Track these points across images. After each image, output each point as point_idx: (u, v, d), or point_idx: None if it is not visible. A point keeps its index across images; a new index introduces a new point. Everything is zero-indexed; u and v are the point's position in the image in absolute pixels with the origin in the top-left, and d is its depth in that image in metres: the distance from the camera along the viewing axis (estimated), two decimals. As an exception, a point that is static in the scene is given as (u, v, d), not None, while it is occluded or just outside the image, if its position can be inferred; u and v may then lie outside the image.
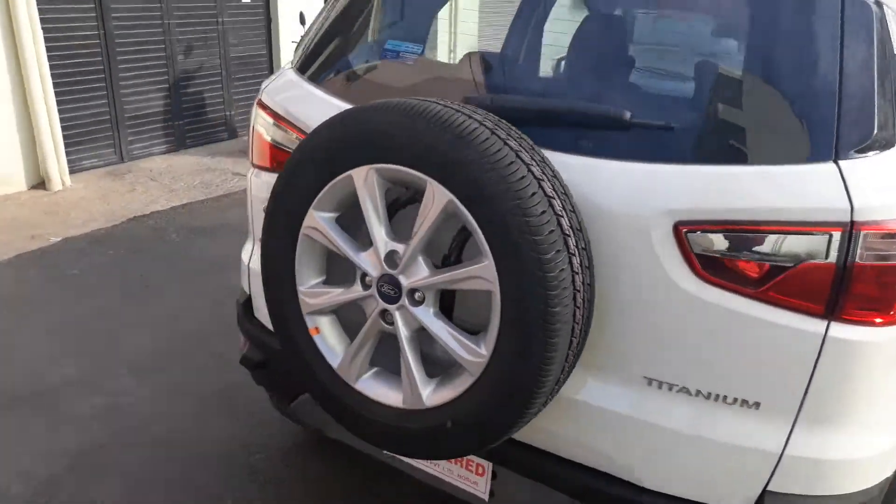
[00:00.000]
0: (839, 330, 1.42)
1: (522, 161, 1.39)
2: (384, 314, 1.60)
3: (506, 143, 1.40)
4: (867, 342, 1.43)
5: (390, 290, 1.56)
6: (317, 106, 1.93)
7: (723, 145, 1.53)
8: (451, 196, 1.43)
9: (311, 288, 1.71)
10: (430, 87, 1.91)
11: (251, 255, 2.25)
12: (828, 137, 1.43)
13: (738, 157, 1.49)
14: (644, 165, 1.50)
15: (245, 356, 2.28)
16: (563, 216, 1.39)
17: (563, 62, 2.11)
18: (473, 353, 1.49)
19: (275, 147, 2.06)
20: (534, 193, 1.37)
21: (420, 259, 1.53)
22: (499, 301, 1.42)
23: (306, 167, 1.63)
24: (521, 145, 1.43)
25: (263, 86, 2.16)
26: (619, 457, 1.65)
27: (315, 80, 2.03)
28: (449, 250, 1.59)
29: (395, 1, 2.17)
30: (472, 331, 1.53)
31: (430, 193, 1.46)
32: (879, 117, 1.45)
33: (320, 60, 2.08)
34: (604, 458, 1.67)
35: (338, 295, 1.67)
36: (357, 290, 1.63)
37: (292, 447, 2.83)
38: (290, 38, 7.33)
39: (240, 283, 2.35)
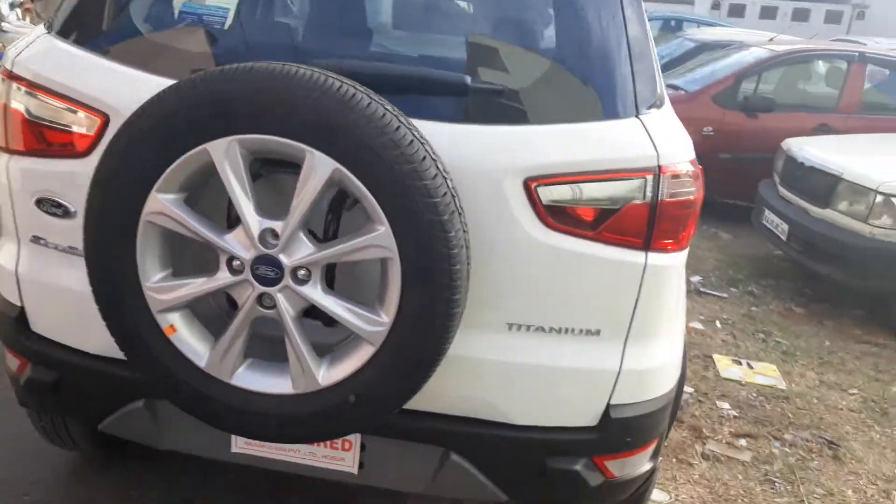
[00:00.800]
0: (653, 258, 1.72)
1: (405, 125, 1.41)
2: (260, 298, 1.49)
3: (386, 109, 1.41)
4: (668, 266, 1.76)
5: (269, 271, 1.45)
6: (104, 76, 1.68)
7: (555, 108, 1.72)
8: (337, 164, 1.38)
9: (159, 282, 1.50)
10: (252, 54, 1.78)
11: (17, 258, 1.86)
12: (630, 97, 1.71)
13: (568, 117, 1.70)
14: (494, 127, 1.63)
15: (31, 379, 1.89)
16: (447, 177, 1.45)
17: (384, 28, 2.11)
18: (373, 323, 1.47)
19: (39, 125, 1.73)
20: (424, 157, 1.40)
21: (301, 235, 1.45)
22: (399, 266, 1.43)
23: (143, 145, 1.42)
24: (394, 111, 1.45)
25: (10, 54, 1.78)
26: (488, 400, 1.78)
27: (93, 47, 1.74)
28: (326, 223, 1.53)
29: None
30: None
31: (309, 163, 1.39)
32: (657, 78, 1.79)
33: (94, 24, 1.79)
34: (476, 403, 1.78)
35: (200, 286, 1.49)
36: (224, 277, 1.48)
37: (70, 476, 2.42)
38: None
39: None
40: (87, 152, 1.70)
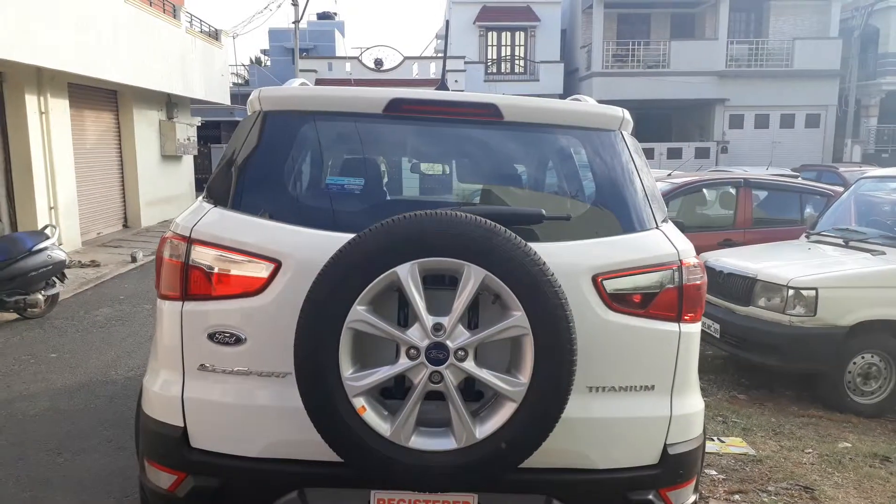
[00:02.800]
0: (683, 327, 2.37)
1: (526, 243, 2.04)
2: (430, 376, 2.00)
3: (514, 234, 2.04)
4: (693, 332, 2.40)
5: (439, 354, 1.99)
6: (273, 232, 2.23)
7: (604, 227, 2.40)
8: (487, 272, 1.98)
9: (354, 373, 2.00)
10: (389, 210, 2.38)
11: (182, 385, 2.27)
12: (650, 216, 2.43)
13: (613, 232, 2.38)
14: (566, 243, 2.29)
15: (195, 488, 2.23)
16: (554, 276, 2.07)
17: (486, 184, 2.78)
18: (515, 384, 2.01)
19: (219, 274, 2.24)
20: (544, 262, 2.02)
21: (460, 325, 2.01)
22: (531, 340, 2.00)
23: (347, 272, 1.97)
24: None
25: (188, 224, 2.29)
26: (578, 450, 2.28)
27: (257, 212, 2.29)
28: (469, 317, 2.08)
29: (312, 144, 2.57)
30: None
31: (467, 274, 1.98)
32: (662, 203, 2.54)
33: (255, 196, 2.35)
34: (568, 455, 2.27)
35: (386, 372, 2.00)
36: (404, 363, 1.99)
37: None
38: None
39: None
40: (260, 290, 2.21)
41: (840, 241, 6.15)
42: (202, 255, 2.23)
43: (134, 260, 10.48)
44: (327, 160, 2.59)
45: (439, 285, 2.06)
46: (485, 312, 2.10)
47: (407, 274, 1.98)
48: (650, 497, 2.32)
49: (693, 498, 2.50)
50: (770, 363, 5.41)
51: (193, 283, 2.24)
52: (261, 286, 2.20)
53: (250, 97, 2.56)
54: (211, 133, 23.96)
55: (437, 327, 2.00)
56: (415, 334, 2.00)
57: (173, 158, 15.84)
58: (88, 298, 8.15)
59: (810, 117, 24.93)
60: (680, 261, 2.35)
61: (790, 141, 24.44)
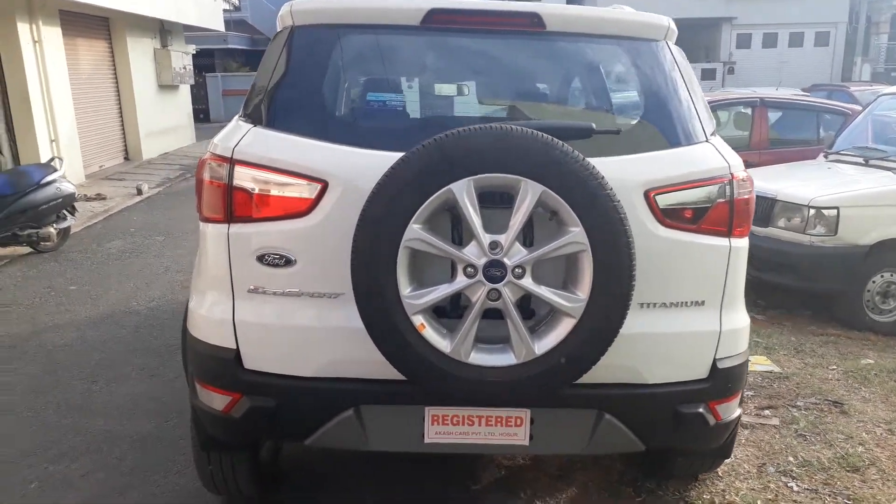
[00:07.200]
0: (734, 242, 2.33)
1: (584, 157, 1.98)
2: (488, 294, 1.97)
3: (569, 147, 1.97)
4: (742, 247, 2.37)
5: (497, 271, 1.96)
6: (318, 152, 2.16)
7: (655, 140, 2.33)
8: (544, 188, 1.93)
9: (412, 292, 1.97)
10: (433, 126, 2.30)
11: (233, 308, 2.25)
12: (700, 129, 2.36)
13: (664, 146, 2.31)
14: (619, 157, 2.22)
15: (252, 408, 2.24)
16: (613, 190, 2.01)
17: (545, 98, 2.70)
18: (574, 300, 1.99)
19: (264, 196, 2.18)
20: (602, 177, 1.97)
21: (517, 243, 1.97)
22: (590, 256, 1.96)
23: (401, 191, 1.91)
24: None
25: (229, 145, 2.21)
26: (629, 366, 2.28)
27: (300, 132, 2.21)
28: (523, 233, 2.04)
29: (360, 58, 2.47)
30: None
31: (524, 190, 1.93)
32: (710, 116, 2.46)
33: (298, 115, 2.27)
34: (620, 370, 2.27)
35: (444, 290, 1.97)
36: (462, 281, 1.96)
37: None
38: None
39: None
40: (308, 212, 2.16)
41: (860, 160, 6.09)
42: (245, 176, 2.17)
43: (139, 192, 10.38)
44: (365, 76, 2.49)
45: (492, 203, 2.01)
46: (540, 229, 2.06)
47: (462, 191, 1.93)
48: (700, 410, 2.34)
49: (738, 411, 2.53)
50: (789, 284, 5.43)
51: (238, 205, 2.19)
52: (308, 207, 2.16)
53: (281, 11, 2.45)
54: (205, 62, 23.37)
55: (494, 245, 1.96)
56: (472, 252, 1.97)
57: (170, 88, 15.49)
58: (99, 231, 8.10)
59: (819, 35, 24.34)
60: (731, 174, 2.29)
61: (798, 60, 23.95)
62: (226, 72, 24.74)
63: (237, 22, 24.99)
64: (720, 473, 3.03)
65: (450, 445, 2.33)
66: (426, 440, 2.31)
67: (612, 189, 1.96)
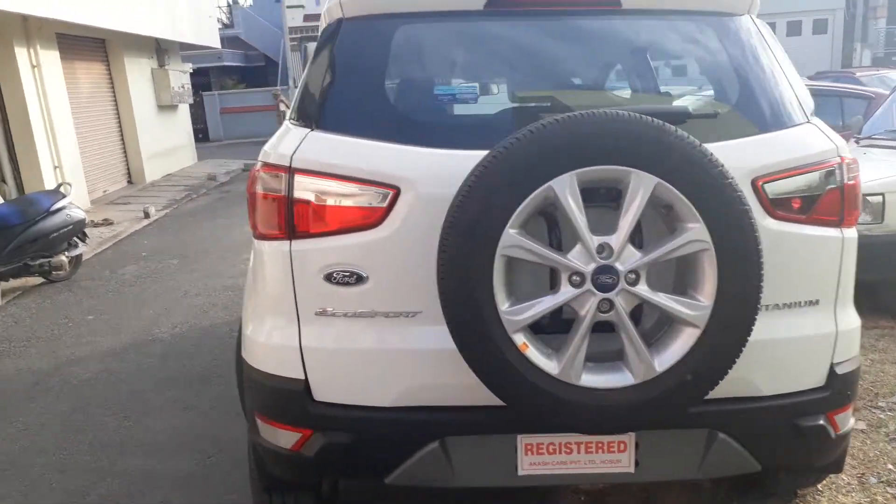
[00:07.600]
0: (846, 232, 2.10)
1: (701, 143, 1.74)
2: (599, 304, 1.73)
3: (684, 132, 1.73)
4: (853, 238, 2.13)
5: (608, 279, 1.71)
6: (387, 155, 1.93)
7: (756, 123, 2.09)
8: (659, 179, 1.69)
9: (511, 307, 1.73)
10: (512, 120, 2.07)
11: (299, 334, 2.01)
12: (799, 109, 2.13)
13: (767, 127, 2.06)
14: (721, 143, 1.97)
15: (326, 445, 2.00)
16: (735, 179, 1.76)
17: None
18: (697, 308, 1.74)
19: (330, 207, 1.95)
20: (723, 164, 1.73)
21: (629, 245, 1.73)
22: (712, 255, 1.72)
23: (493, 192, 1.68)
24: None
25: (285, 152, 1.98)
26: (741, 377, 2.01)
27: (363, 134, 1.98)
28: (632, 234, 1.79)
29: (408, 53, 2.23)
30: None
31: (635, 183, 1.69)
32: (807, 93, 2.22)
33: (359, 117, 2.04)
34: (732, 382, 2.00)
35: (549, 303, 1.73)
36: (568, 292, 1.72)
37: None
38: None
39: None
40: (379, 221, 1.92)
41: (895, 144, 5.84)
42: (307, 186, 1.94)
43: (147, 216, 10.13)
44: (428, 68, 2.26)
45: (591, 201, 1.77)
46: (649, 228, 1.82)
47: (565, 187, 1.68)
48: (821, 422, 2.10)
49: (852, 422, 2.27)
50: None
51: (300, 219, 1.95)
52: (380, 217, 1.92)
53: (328, 4, 2.22)
54: (200, 81, 23.16)
55: (601, 248, 1.72)
56: (578, 258, 1.73)
57: (170, 108, 15.26)
58: (110, 258, 7.86)
59: (817, 23, 24.18)
60: (840, 157, 2.06)
61: (798, 49, 23.68)
62: (222, 90, 24.53)
63: (231, 38, 24.80)
64: (820, 488, 2.78)
65: (546, 477, 2.09)
66: (520, 472, 2.07)
67: (734, 178, 1.73)
